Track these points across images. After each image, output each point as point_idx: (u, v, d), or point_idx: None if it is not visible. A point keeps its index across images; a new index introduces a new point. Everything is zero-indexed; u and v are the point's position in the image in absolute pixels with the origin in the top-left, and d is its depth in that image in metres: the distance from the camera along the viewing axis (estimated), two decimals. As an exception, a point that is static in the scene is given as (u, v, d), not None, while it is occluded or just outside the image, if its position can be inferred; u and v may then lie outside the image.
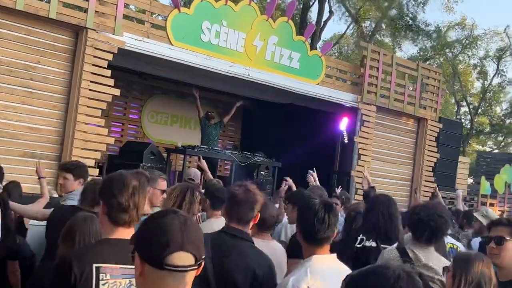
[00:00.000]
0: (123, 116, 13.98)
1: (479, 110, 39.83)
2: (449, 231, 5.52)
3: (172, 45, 9.33)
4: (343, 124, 12.91)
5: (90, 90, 8.23)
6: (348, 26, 30.61)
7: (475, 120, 38.95)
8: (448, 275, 2.98)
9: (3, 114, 7.63)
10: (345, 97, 12.05)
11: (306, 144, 13.10)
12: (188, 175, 7.11)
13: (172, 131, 14.49)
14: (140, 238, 1.76)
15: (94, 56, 8.26)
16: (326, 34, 36.65)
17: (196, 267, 1.68)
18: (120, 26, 8.58)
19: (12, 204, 4.90)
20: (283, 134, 13.79)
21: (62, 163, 5.23)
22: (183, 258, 1.66)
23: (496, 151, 40.88)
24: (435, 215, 3.66)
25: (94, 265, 2.48)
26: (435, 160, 13.58)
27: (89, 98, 8.24)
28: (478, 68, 38.36)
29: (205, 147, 11.15)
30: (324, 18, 25.70)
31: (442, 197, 12.29)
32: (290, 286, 2.89)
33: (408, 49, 57.14)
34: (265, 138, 13.78)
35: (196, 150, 10.82)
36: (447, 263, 3.65)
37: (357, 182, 11.89)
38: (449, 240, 5.17)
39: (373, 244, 4.31)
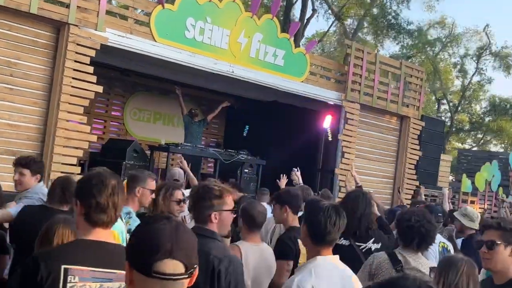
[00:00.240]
0: (105, 113, 13.82)
1: (459, 108, 40.24)
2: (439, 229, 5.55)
3: (155, 41, 9.22)
4: (327, 122, 12.90)
5: (72, 87, 8.10)
6: (331, 24, 30.67)
7: (455, 118, 39.33)
8: (433, 277, 3.02)
9: (-18, 111, 7.49)
10: (329, 95, 12.04)
11: (290, 142, 13.10)
12: (172, 176, 7.07)
13: (155, 129, 14.37)
14: (130, 244, 1.70)
15: (76, 53, 8.13)
16: (308, 32, 36.66)
17: (187, 276, 1.60)
18: (102, 22, 8.45)
19: None
20: (267, 131, 13.75)
21: (18, 158, 4.95)
22: (172, 265, 1.59)
23: (475, 148, 41.37)
24: (425, 221, 3.66)
25: (63, 267, 2.39)
26: (417, 158, 13.66)
27: (71, 95, 8.11)
28: (458, 67, 38.74)
29: (189, 145, 11.07)
30: (307, 15, 25.74)
31: (424, 195, 12.38)
32: (295, 286, 2.90)
33: (389, 47, 57.47)
34: (249, 136, 13.73)
35: (179, 148, 10.73)
36: (434, 265, 3.66)
37: (340, 180, 11.89)
38: (441, 239, 5.17)
39: (345, 242, 4.30)
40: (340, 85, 12.36)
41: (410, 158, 13.52)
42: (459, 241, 6.05)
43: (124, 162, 9.97)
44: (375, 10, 28.52)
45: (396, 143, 13.55)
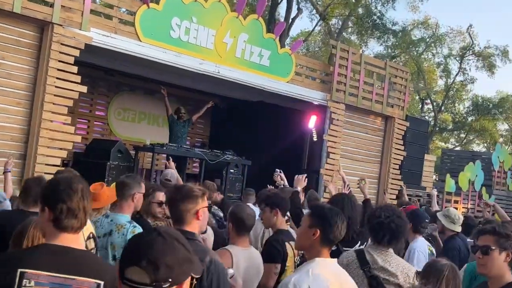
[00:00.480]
0: (89, 113, 13.69)
1: (443, 108, 40.58)
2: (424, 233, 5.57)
3: (140, 41, 9.15)
4: (312, 122, 12.91)
5: (56, 87, 8.01)
6: (316, 24, 30.73)
7: (438, 118, 39.64)
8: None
9: (-35, 111, 7.38)
10: (314, 95, 12.05)
11: (275, 142, 13.09)
12: (165, 176, 7.05)
13: (139, 129, 14.27)
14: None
15: (60, 52, 8.04)
16: (293, 31, 36.73)
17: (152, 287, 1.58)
18: (87, 21, 8.37)
19: None
20: (253, 132, 13.74)
21: None
22: (136, 273, 1.59)
23: (458, 148, 41.71)
24: (395, 216, 3.65)
25: (19, 270, 2.36)
26: (401, 158, 13.72)
27: (55, 95, 8.03)
28: (442, 67, 39.04)
29: (174, 145, 11.02)
30: (293, 15, 25.78)
31: (408, 195, 12.44)
32: (292, 285, 2.92)
33: (373, 46, 57.68)
34: (235, 136, 13.70)
35: (165, 148, 10.68)
36: (406, 265, 3.66)
37: (326, 181, 11.91)
38: (427, 243, 5.20)
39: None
40: (325, 86, 12.38)
41: (394, 158, 13.58)
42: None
43: (108, 163, 9.90)
44: (360, 10, 28.63)
45: (380, 143, 13.60)
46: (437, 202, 11.87)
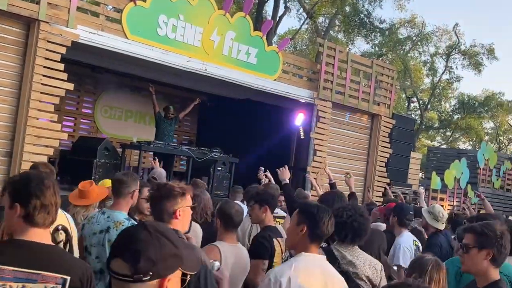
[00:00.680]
0: (75, 110, 13.64)
1: (429, 106, 40.84)
2: (410, 227, 5.63)
3: (127, 38, 9.13)
4: (299, 120, 12.96)
5: (42, 84, 7.98)
6: (303, 22, 30.80)
7: (424, 116, 39.89)
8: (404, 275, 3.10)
9: (-50, 109, 7.33)
10: (301, 93, 12.09)
11: (263, 139, 13.13)
12: (152, 173, 7.07)
13: (126, 126, 14.24)
14: None
15: (47, 50, 8.00)
16: (280, 29, 36.78)
17: (132, 279, 1.60)
18: (73, 18, 8.34)
19: None
20: (240, 129, 13.76)
21: None
22: (117, 264, 1.62)
23: (444, 146, 42.01)
24: (357, 215, 3.71)
25: None
26: (388, 155, 13.81)
27: (41, 93, 7.99)
28: (428, 65, 39.28)
29: (161, 142, 11.01)
30: (280, 13, 25.80)
31: (393, 192, 12.52)
32: (272, 276, 2.99)
33: (360, 45, 57.93)
34: (222, 134, 13.71)
35: (152, 146, 10.67)
36: (373, 260, 3.71)
37: (309, 176, 11.94)
38: (413, 237, 5.24)
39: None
40: (312, 84, 12.42)
41: (380, 156, 13.67)
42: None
43: (95, 160, 9.88)
44: (347, 9, 28.73)
45: (367, 141, 13.68)
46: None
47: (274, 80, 11.57)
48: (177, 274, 1.70)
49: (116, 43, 9.00)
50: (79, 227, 4.53)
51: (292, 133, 13.25)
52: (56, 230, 3.22)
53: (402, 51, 35.79)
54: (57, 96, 8.28)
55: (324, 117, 12.36)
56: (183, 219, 3.21)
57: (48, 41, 8.02)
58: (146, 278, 1.60)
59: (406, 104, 40.72)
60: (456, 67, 38.12)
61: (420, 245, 5.25)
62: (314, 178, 10.93)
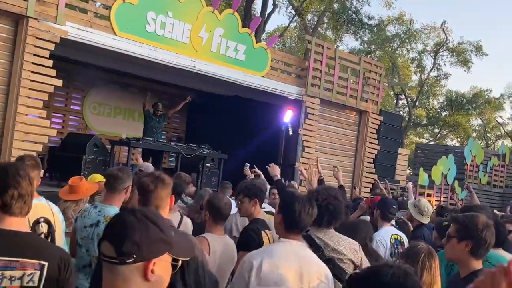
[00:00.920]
0: (64, 107, 13.64)
1: (417, 103, 41.05)
2: (393, 221, 5.69)
3: (116, 35, 9.16)
4: (288, 116, 13.04)
5: (31, 80, 8.01)
6: (292, 19, 30.86)
7: (412, 113, 40.08)
8: None
9: None
10: (289, 90, 12.17)
11: (251, 136, 13.18)
12: (139, 167, 7.11)
13: (115, 123, 14.26)
14: None
15: (35, 46, 8.03)
16: (269, 26, 36.82)
17: (117, 261, 1.67)
18: (62, 15, 8.37)
19: None
20: (229, 126, 13.81)
21: None
22: (105, 247, 1.70)
23: (432, 143, 42.27)
24: (332, 197, 3.78)
25: None
26: (375, 152, 13.93)
27: (30, 89, 8.02)
28: (416, 62, 39.48)
29: (150, 139, 11.05)
30: (268, 10, 25.84)
31: (382, 183, 12.62)
32: (246, 258, 3.15)
33: (348, 42, 58.12)
34: (211, 130, 13.76)
35: (141, 142, 10.70)
36: (351, 241, 3.80)
37: (298, 167, 12.02)
38: (393, 232, 5.29)
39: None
40: (300, 80, 12.50)
41: (368, 152, 13.79)
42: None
43: (84, 157, 9.90)
44: (335, 6, 28.82)
45: (355, 137, 13.79)
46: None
47: (263, 76, 11.63)
48: (166, 258, 1.75)
49: (105, 40, 9.03)
50: (70, 221, 4.58)
51: (281, 129, 13.33)
52: (37, 222, 3.27)
53: (390, 48, 35.94)
54: (45, 93, 8.30)
55: (313, 114, 12.44)
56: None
57: (37, 38, 8.04)
58: (129, 260, 1.67)
59: (394, 101, 40.89)
60: (444, 64, 38.40)
61: (404, 239, 5.29)
62: (305, 169, 11.04)
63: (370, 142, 13.81)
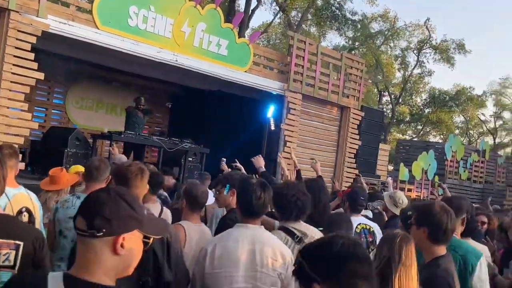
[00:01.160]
0: (46, 101, 13.63)
1: (400, 100, 41.35)
2: (362, 212, 5.80)
3: (98, 29, 9.18)
4: (270, 111, 13.14)
5: (12, 73, 8.01)
6: (275, 15, 30.95)
7: (396, 110, 40.37)
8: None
9: None
10: (272, 85, 12.26)
11: (234, 131, 13.27)
12: (113, 159, 7.17)
13: (98, 117, 14.26)
14: None
15: (17, 39, 8.03)
16: (255, 23, 36.88)
17: (87, 234, 1.79)
18: (44, 8, 8.37)
19: None
20: (212, 121, 13.88)
21: None
22: (79, 222, 1.82)
23: (416, 139, 42.64)
24: (300, 193, 3.90)
25: None
26: (357, 147, 14.07)
27: (11, 82, 8.02)
28: (400, 59, 39.75)
29: (132, 133, 11.08)
30: (252, 6, 25.89)
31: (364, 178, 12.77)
32: (203, 247, 3.38)
33: (331, 38, 58.25)
34: (194, 125, 13.81)
35: (122, 136, 10.74)
36: (314, 229, 3.91)
37: (283, 168, 12.11)
38: (361, 221, 5.39)
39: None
40: (282, 76, 12.59)
41: (350, 147, 13.92)
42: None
43: (66, 150, 9.93)
44: (319, 2, 28.95)
45: (336, 132, 13.92)
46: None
47: (245, 71, 11.71)
48: (136, 235, 1.88)
49: (87, 34, 9.05)
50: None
51: (263, 124, 13.42)
52: (20, 212, 3.36)
53: (374, 45, 36.17)
54: (27, 86, 8.31)
55: (295, 109, 12.54)
56: None
57: (18, 31, 8.04)
58: (99, 234, 1.79)
59: (378, 98, 41.17)
60: (428, 62, 38.70)
61: (375, 228, 5.36)
62: (288, 170, 11.15)
63: (351, 138, 13.95)
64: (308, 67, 12.84)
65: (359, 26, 32.65)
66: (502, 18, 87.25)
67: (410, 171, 16.98)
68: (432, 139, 46.00)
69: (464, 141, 42.49)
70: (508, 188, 22.73)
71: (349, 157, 13.93)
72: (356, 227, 5.18)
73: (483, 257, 3.77)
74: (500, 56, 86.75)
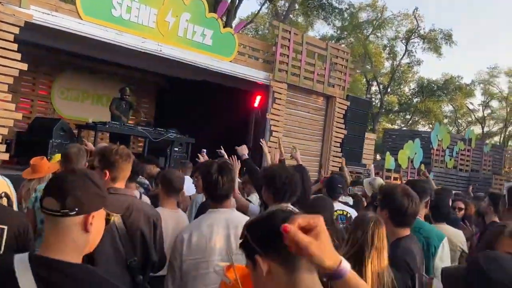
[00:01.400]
0: (32, 92, 13.61)
1: (389, 90, 41.50)
2: (343, 199, 5.91)
3: (81, 19, 9.19)
4: (256, 101, 13.18)
5: (-5, 64, 8.03)
6: (262, 5, 30.91)
7: (384, 99, 40.53)
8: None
9: None
10: (257, 75, 12.31)
11: (220, 120, 13.30)
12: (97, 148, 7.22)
13: (83, 108, 14.26)
14: None
15: (0, 30, 8.04)
16: (243, 13, 36.83)
17: (60, 214, 1.86)
18: (26, -2, 8.38)
19: None
20: (198, 111, 13.91)
21: None
22: (47, 202, 1.89)
23: (404, 129, 42.87)
24: (291, 175, 3.96)
25: None
26: (342, 136, 14.17)
27: (-6, 73, 8.04)
28: (388, 49, 39.85)
29: (117, 123, 11.11)
30: (239, -4, 25.82)
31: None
32: (179, 234, 3.42)
33: (320, 28, 58.20)
34: (179, 115, 13.83)
35: (107, 126, 10.77)
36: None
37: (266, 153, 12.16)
38: (338, 207, 5.49)
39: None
40: (268, 65, 12.64)
41: (335, 137, 14.02)
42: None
43: (51, 141, 9.95)
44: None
45: (322, 121, 14.00)
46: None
47: (230, 61, 11.75)
48: (102, 213, 1.98)
49: (70, 24, 9.06)
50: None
51: (250, 114, 13.47)
52: (0, 197, 3.42)
53: (361, 35, 36.22)
54: (10, 76, 8.32)
55: (280, 98, 12.61)
56: None
57: (1, 21, 8.06)
58: (72, 213, 1.87)
59: (366, 87, 41.30)
60: (416, 51, 38.80)
61: (353, 214, 5.46)
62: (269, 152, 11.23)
63: (337, 127, 14.03)
64: (293, 56, 12.89)
65: (346, 15, 32.64)
66: (490, 7, 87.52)
67: (396, 159, 17.10)
68: (421, 128, 46.27)
69: (452, 130, 42.79)
70: (494, 176, 22.96)
71: (334, 146, 14.02)
72: (335, 213, 5.28)
73: (445, 239, 3.87)
74: (488, 46, 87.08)
